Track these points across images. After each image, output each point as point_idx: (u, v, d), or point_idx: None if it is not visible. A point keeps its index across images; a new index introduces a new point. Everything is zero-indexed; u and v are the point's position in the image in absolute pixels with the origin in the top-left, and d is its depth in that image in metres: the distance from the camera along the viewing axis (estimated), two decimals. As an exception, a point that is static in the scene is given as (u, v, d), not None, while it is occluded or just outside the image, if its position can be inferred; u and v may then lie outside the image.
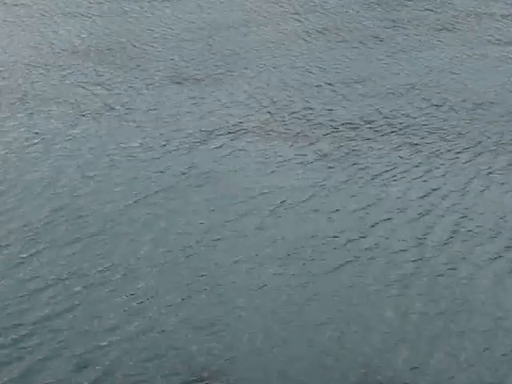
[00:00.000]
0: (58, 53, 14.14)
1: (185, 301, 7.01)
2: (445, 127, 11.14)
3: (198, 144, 10.29)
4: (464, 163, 10.04)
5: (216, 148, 10.16)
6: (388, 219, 8.54)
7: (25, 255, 7.66)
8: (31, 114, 11.31)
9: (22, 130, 10.73)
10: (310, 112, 11.54)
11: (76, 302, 6.93)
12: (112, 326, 6.67)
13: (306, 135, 10.72)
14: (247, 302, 7.05)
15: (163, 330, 6.60)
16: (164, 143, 10.34)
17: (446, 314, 6.98)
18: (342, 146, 10.37)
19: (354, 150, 10.28)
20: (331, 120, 11.28)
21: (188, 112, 11.47)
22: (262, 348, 6.44)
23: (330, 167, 9.76)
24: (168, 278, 7.37)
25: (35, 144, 10.27)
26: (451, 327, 6.81)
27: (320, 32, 15.73)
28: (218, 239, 8.01)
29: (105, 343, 6.43)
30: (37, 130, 10.72)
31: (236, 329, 6.66)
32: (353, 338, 6.64)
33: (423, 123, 11.23)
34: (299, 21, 16.65)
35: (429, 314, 6.99)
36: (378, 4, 17.75)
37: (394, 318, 6.92)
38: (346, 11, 17.33)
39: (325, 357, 6.38)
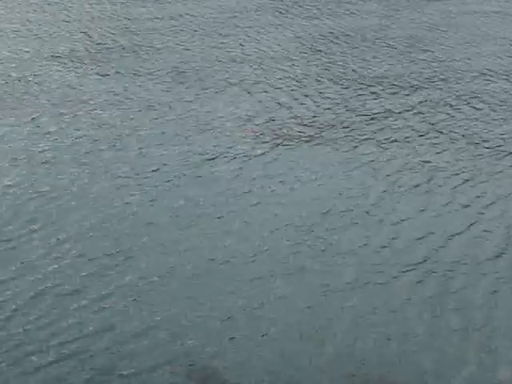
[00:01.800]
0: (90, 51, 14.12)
1: (206, 310, 6.86)
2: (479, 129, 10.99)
3: (227, 150, 10.14)
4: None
5: (245, 155, 9.93)
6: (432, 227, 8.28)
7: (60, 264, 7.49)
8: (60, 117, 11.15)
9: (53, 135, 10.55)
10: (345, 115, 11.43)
11: (96, 310, 6.81)
12: (121, 329, 6.56)
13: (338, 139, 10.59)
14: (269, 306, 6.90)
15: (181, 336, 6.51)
16: (189, 148, 10.14)
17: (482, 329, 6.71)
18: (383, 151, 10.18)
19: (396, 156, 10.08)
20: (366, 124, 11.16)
21: (222, 117, 11.29)
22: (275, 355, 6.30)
23: (368, 174, 9.54)
24: (193, 289, 7.18)
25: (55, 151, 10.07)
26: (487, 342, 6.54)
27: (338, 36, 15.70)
28: (249, 250, 7.78)
29: (109, 345, 6.35)
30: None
31: (243, 333, 6.53)
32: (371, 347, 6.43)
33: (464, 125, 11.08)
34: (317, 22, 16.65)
35: (465, 328, 6.71)
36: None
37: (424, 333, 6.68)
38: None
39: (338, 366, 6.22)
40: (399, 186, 9.17)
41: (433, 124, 11.09)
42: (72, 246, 7.76)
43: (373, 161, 9.82)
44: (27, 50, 14.39)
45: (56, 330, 6.55)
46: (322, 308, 6.91)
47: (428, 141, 10.48)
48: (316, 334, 6.57)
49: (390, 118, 11.23)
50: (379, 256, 7.70)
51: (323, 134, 10.65)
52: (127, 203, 8.65)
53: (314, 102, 11.88)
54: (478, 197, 8.98)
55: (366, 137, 10.55)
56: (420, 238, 8.05)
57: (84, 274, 7.31)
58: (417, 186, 9.19)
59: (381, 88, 12.56)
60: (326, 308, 6.91)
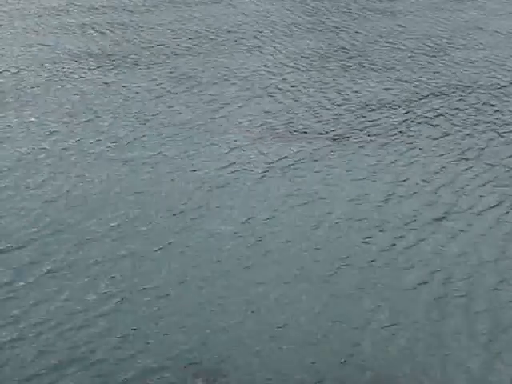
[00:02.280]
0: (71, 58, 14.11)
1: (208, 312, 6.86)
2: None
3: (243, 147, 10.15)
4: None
5: (266, 158, 9.87)
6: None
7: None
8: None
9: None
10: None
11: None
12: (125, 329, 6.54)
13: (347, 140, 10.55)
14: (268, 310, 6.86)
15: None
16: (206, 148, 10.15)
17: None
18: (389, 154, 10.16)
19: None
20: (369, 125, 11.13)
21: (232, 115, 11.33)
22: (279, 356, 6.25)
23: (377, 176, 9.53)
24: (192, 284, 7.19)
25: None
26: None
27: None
28: (266, 254, 7.72)
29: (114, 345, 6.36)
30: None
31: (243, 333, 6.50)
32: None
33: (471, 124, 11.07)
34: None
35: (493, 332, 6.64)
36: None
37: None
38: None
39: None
40: (422, 192, 9.10)
41: (458, 128, 11.00)
42: (93, 250, 7.71)
43: (393, 164, 9.76)
44: (42, 48, 14.42)
45: (72, 333, 6.51)
46: (343, 312, 6.84)
47: (451, 146, 10.40)
48: (329, 337, 6.51)
49: (413, 123, 11.15)
50: (402, 262, 7.63)
51: (343, 138, 10.59)
52: (147, 205, 8.63)
53: (334, 104, 11.82)
54: (501, 201, 8.92)
55: (387, 141, 10.48)
56: (446, 242, 8.00)
57: (107, 277, 7.26)
58: (440, 191, 9.12)
59: (402, 90, 12.50)
60: (351, 312, 6.86)
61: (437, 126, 11.04)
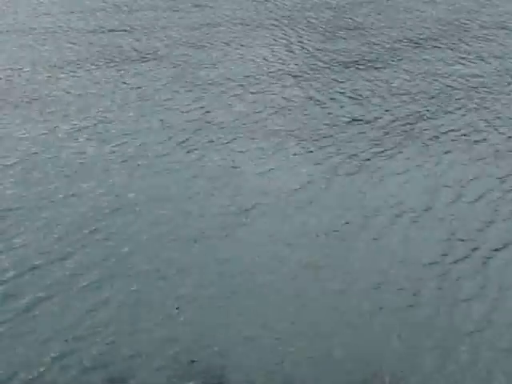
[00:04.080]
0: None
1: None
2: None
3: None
4: None
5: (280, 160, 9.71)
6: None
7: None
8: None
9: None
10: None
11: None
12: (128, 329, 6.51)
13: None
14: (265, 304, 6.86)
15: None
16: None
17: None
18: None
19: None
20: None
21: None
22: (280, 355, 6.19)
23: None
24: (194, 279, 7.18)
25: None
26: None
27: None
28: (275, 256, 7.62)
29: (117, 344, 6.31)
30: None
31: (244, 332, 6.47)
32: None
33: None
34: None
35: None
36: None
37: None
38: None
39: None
40: (463, 194, 8.91)
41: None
42: (121, 258, 7.62)
43: (419, 166, 9.58)
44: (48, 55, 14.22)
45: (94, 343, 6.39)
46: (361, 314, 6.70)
47: (487, 148, 10.23)
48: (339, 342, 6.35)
49: (442, 122, 10.95)
50: (435, 267, 7.43)
51: (368, 135, 10.46)
52: (168, 213, 8.47)
53: (358, 103, 11.71)
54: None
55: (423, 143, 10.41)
56: (476, 245, 7.81)
57: (132, 287, 7.17)
58: (483, 194, 8.91)
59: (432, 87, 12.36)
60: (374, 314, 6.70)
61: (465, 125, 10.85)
